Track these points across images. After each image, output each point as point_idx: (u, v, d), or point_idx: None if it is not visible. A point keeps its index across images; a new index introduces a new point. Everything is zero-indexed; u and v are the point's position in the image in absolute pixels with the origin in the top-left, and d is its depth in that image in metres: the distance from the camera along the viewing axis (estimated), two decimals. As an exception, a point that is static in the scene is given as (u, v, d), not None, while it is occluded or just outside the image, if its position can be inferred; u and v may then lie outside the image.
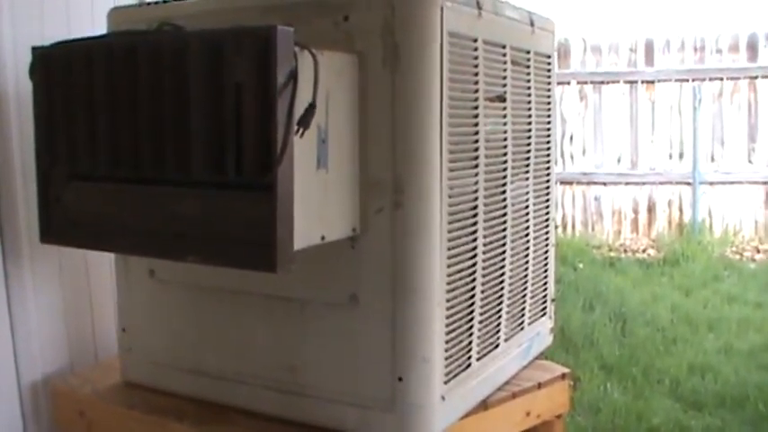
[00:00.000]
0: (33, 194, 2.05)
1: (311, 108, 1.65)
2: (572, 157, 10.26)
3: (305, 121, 1.64)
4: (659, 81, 10.14)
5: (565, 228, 10.19)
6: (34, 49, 1.95)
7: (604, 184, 10.20)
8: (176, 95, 1.68)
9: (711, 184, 9.93)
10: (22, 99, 2.36)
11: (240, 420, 2.15)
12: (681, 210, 10.05)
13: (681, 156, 10.07)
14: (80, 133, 1.85)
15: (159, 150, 1.72)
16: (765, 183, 9.85)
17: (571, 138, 10.27)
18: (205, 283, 2.19)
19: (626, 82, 10.23)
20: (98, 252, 2.62)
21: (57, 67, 1.89)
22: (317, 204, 1.77)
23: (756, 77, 9.90)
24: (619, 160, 10.23)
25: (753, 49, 9.97)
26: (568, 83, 10.18)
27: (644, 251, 9.55)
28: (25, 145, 2.37)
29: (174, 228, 1.80)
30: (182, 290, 2.25)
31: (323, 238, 1.80)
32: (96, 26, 2.57)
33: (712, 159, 9.99)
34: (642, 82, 10.19)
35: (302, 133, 1.64)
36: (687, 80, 10.03)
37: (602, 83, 10.29)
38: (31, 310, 2.50)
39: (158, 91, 1.71)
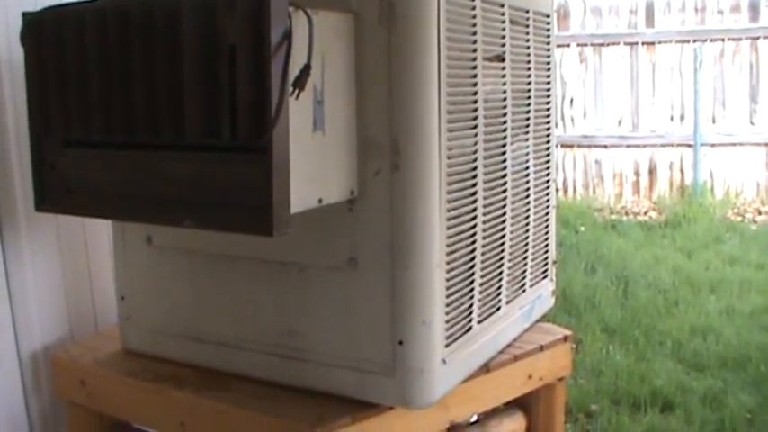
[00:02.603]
0: (29, 163, 2.02)
1: (306, 69, 1.63)
2: (572, 120, 10.24)
3: (300, 83, 1.61)
4: (660, 43, 10.10)
5: (566, 191, 10.18)
6: (25, 14, 1.92)
7: (605, 146, 10.18)
8: (169, 59, 1.65)
9: (713, 145, 9.90)
10: (15, 66, 2.33)
11: (240, 386, 2.14)
12: (682, 172, 10.04)
13: (682, 118, 10.04)
14: (73, 99, 1.83)
15: (153, 115, 1.70)
16: (766, 144, 9.82)
17: (571, 101, 10.23)
18: (203, 249, 2.18)
19: (626, 44, 10.19)
20: (96, 220, 2.61)
21: (48, 32, 1.86)
22: (313, 167, 1.74)
23: (758, 38, 9.86)
24: (620, 123, 10.21)
25: (754, 9, 9.91)
26: (568, 45, 10.13)
27: (645, 213, 9.55)
28: (19, 113, 2.36)
29: (169, 193, 1.78)
30: (179, 256, 2.24)
31: (320, 201, 1.78)
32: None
33: (714, 121, 9.96)
34: (643, 44, 10.15)
35: (297, 95, 1.62)
36: (688, 41, 9.99)
37: (603, 45, 10.25)
38: (29, 279, 2.49)
39: (151, 54, 1.68)
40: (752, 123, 9.86)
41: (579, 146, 10.16)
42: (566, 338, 2.55)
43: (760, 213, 9.38)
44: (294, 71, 1.60)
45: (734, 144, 9.88)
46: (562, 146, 9.96)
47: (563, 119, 10.20)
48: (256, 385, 2.13)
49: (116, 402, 2.33)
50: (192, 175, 1.74)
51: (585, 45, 10.25)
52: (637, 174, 10.17)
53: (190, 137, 1.65)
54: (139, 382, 2.25)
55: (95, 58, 1.78)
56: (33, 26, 1.90)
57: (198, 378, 2.20)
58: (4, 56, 2.39)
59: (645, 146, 10.10)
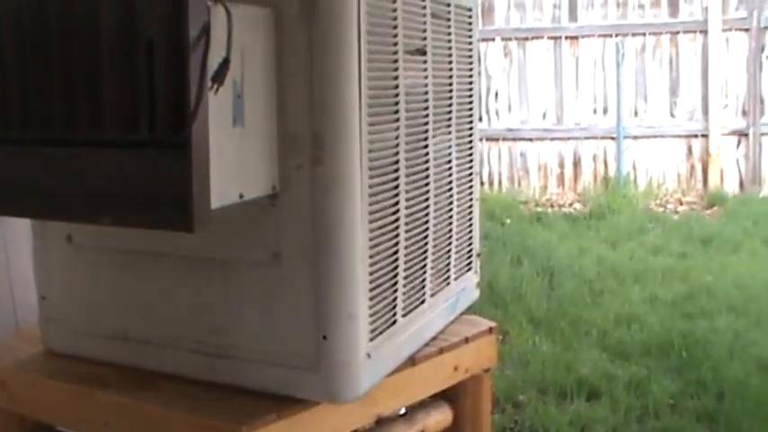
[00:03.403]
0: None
1: (225, 63, 1.61)
2: (497, 114, 10.32)
3: (219, 77, 1.60)
4: (583, 37, 10.25)
5: (492, 184, 10.26)
6: (-66, 4, 1.87)
7: (530, 139, 10.30)
8: (88, 52, 1.62)
9: (635, 138, 10.09)
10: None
11: (166, 385, 2.11)
12: (606, 164, 10.20)
13: (605, 111, 10.21)
14: (-12, 95, 1.79)
15: (71, 110, 1.67)
16: (687, 136, 10.03)
17: (496, 94, 10.32)
18: (124, 247, 2.14)
19: (550, 38, 10.32)
20: (15, 219, 2.56)
21: (-40, 25, 1.82)
22: (234, 162, 1.73)
23: (678, 33, 10.06)
24: (544, 116, 10.33)
25: (674, 5, 10.11)
26: (493, 39, 10.21)
27: (570, 205, 9.68)
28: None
29: (88, 190, 1.74)
30: (100, 254, 2.20)
31: (241, 196, 1.76)
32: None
33: (636, 114, 10.15)
34: (566, 38, 10.29)
35: (216, 89, 1.60)
36: (610, 35, 10.15)
37: (527, 39, 10.36)
38: (-54, 280, 2.44)
39: (69, 47, 1.65)
40: (672, 116, 10.06)
41: (504, 139, 10.25)
42: (491, 330, 2.57)
43: (681, 204, 9.57)
44: (213, 65, 1.58)
45: (655, 136, 10.07)
46: (487, 139, 10.03)
47: (488, 112, 10.27)
48: (182, 384, 2.10)
49: (38, 405, 2.29)
50: (110, 171, 1.71)
51: (510, 39, 10.35)
52: (561, 166, 10.30)
53: (108, 132, 1.63)
54: (62, 384, 2.21)
55: (11, 51, 1.74)
56: (-55, 18, 1.85)
57: (122, 378, 2.16)
58: None
59: (569, 138, 10.24)
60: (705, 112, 9.98)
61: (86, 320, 2.27)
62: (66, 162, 1.77)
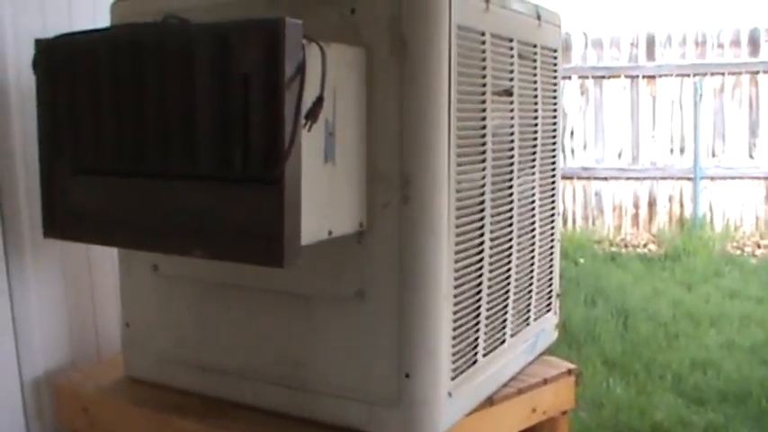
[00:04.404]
0: (35, 189, 2.03)
1: (319, 101, 1.64)
2: (573, 152, 10.25)
3: (313, 115, 1.62)
4: (660, 76, 10.13)
5: (565, 222, 10.17)
6: (38, 41, 1.93)
7: (605, 178, 10.19)
8: (182, 88, 1.66)
9: (712, 179, 9.91)
10: (24, 92, 2.34)
11: (245, 416, 2.13)
12: (681, 205, 10.04)
13: (682, 151, 10.05)
14: (84, 126, 1.83)
15: (165, 144, 1.70)
16: (766, 178, 9.84)
17: (572, 132, 10.25)
18: (209, 278, 2.18)
19: (627, 77, 10.22)
20: (100, 246, 2.61)
21: (61, 59, 1.87)
22: (324, 199, 1.75)
23: (758, 72, 9.88)
24: (619, 155, 10.21)
25: (754, 43, 9.95)
26: (569, 77, 10.16)
27: (645, 246, 9.54)
28: (27, 138, 2.36)
29: (179, 222, 1.78)
30: (185, 285, 2.24)
31: (330, 233, 1.78)
32: (98, 18, 2.56)
33: (713, 154, 9.98)
34: (643, 77, 10.18)
35: (310, 127, 1.62)
36: (688, 75, 10.01)
37: (603, 77, 10.27)
38: (33, 305, 2.48)
39: (164, 84, 1.69)
40: (751, 157, 9.88)
41: (579, 177, 10.17)
42: (569, 372, 2.55)
43: (759, 247, 9.38)
44: (307, 103, 1.60)
45: (733, 177, 9.89)
46: (562, 177, 9.95)
47: (563, 150, 10.21)
48: (261, 415, 2.12)
49: (119, 430, 2.32)
50: (202, 204, 1.74)
51: (587, 77, 10.28)
52: (636, 206, 10.17)
53: (201, 167, 1.66)
54: (143, 411, 2.24)
55: (108, 86, 1.79)
56: (46, 53, 1.91)
57: (202, 407, 2.19)
58: (12, 82, 2.40)
59: (644, 178, 10.11)
60: (785, 153, 9.81)
61: (168, 349, 2.31)
62: (159, 194, 1.81)
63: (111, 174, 1.87)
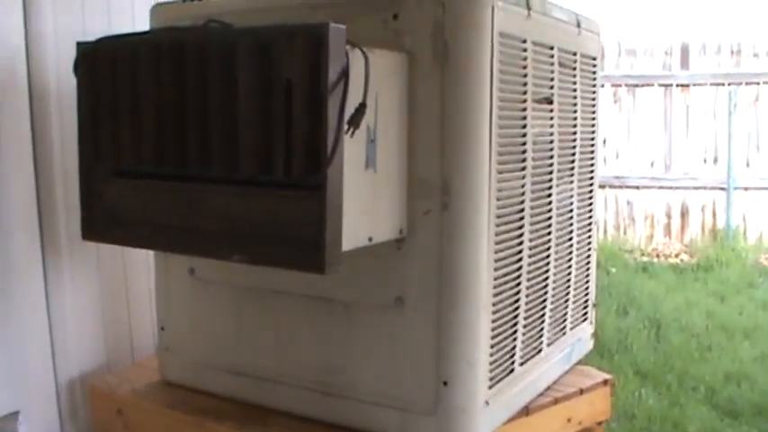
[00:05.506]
0: (73, 192, 2.04)
1: (362, 107, 1.63)
2: (605, 161, 10.19)
3: (355, 121, 1.62)
4: (694, 85, 10.05)
5: (597, 231, 10.11)
6: (79, 44, 1.93)
7: (637, 187, 10.12)
8: (224, 93, 1.66)
9: (746, 189, 9.82)
10: (63, 94, 2.35)
11: (280, 422, 2.13)
12: (714, 215, 9.96)
13: (715, 160, 9.97)
14: (125, 130, 1.84)
15: (206, 148, 1.70)
16: (800, 189, 9.75)
17: (604, 141, 10.19)
18: (246, 283, 2.17)
19: (660, 85, 10.15)
20: (135, 250, 2.62)
21: (102, 63, 1.88)
22: (365, 205, 1.74)
23: (794, 82, 9.80)
24: (652, 164, 10.15)
25: (791, 53, 9.87)
26: (602, 85, 10.08)
27: (677, 256, 9.47)
28: (65, 140, 2.38)
29: (219, 226, 1.78)
30: (222, 289, 2.24)
31: (370, 239, 1.77)
32: (137, 21, 2.57)
33: (747, 165, 9.89)
34: (677, 85, 10.11)
35: (352, 133, 1.62)
36: (723, 84, 9.93)
37: (637, 86, 10.21)
38: (68, 308, 2.50)
39: (206, 88, 1.69)
40: (786, 168, 9.79)
41: (611, 186, 10.10)
42: (605, 382, 2.52)
43: (793, 259, 9.29)
44: (350, 109, 1.60)
45: (767, 188, 9.80)
46: (594, 186, 9.90)
47: (596, 159, 10.15)
48: (296, 421, 2.12)
49: (153, 433, 2.33)
50: (242, 209, 1.74)
51: (619, 86, 10.23)
52: (668, 216, 10.10)
53: (243, 171, 1.66)
54: (178, 414, 2.24)
55: (149, 90, 1.79)
56: (87, 56, 1.91)
57: (238, 412, 2.19)
58: (52, 85, 2.41)
59: (677, 188, 10.03)
60: (820, 164, 9.71)
61: (204, 353, 2.31)
62: (199, 198, 1.81)
63: (150, 177, 1.88)
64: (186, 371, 2.36)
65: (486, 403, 1.98)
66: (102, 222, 1.99)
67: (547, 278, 2.24)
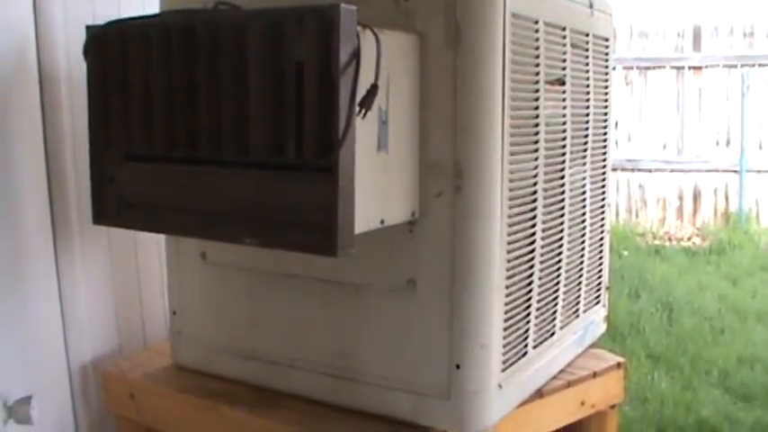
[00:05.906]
0: (84, 176, 2.03)
1: (373, 89, 1.61)
2: (617, 144, 10.15)
3: (367, 103, 1.60)
4: (707, 67, 10.00)
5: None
6: (88, 28, 1.92)
7: (649, 170, 10.09)
8: (235, 75, 1.64)
9: (758, 172, 9.78)
10: (73, 79, 2.35)
11: (293, 405, 2.13)
12: (727, 198, 9.92)
13: (728, 143, 9.93)
14: (136, 113, 1.83)
15: (217, 131, 1.69)
16: (813, 172, 9.70)
17: (616, 124, 10.14)
18: (258, 267, 2.17)
19: (672, 68, 10.10)
20: (147, 234, 2.62)
21: (111, 46, 1.86)
22: (377, 188, 1.73)
23: (808, 64, 9.73)
24: (664, 147, 10.11)
25: (804, 34, 9.80)
26: (614, 68, 10.06)
27: (689, 239, 9.45)
28: (76, 125, 2.37)
29: (230, 209, 1.78)
30: (234, 273, 2.23)
31: (382, 222, 1.76)
32: (147, 4, 2.55)
33: (760, 147, 9.84)
34: (689, 68, 10.05)
35: (364, 114, 1.61)
36: (735, 66, 9.88)
37: (648, 68, 10.17)
38: (80, 293, 2.49)
39: (216, 71, 1.68)
40: (799, 150, 9.74)
41: (623, 169, 10.06)
42: (619, 365, 2.51)
43: (806, 242, 9.25)
44: (361, 90, 1.58)
45: (780, 171, 9.76)
46: (606, 169, 9.87)
47: (607, 142, 10.11)
48: (309, 405, 2.12)
49: (166, 418, 2.33)
50: (253, 192, 1.73)
51: (631, 68, 10.18)
52: (680, 199, 10.07)
53: (254, 154, 1.64)
54: (191, 398, 2.24)
55: (159, 73, 1.77)
56: (97, 40, 1.90)
57: (250, 396, 2.19)
58: (62, 68, 2.40)
59: (689, 171, 9.99)
60: (833, 146, 9.66)
61: (216, 337, 2.31)
62: (210, 181, 1.81)
63: (161, 161, 1.87)
64: (198, 355, 2.36)
65: (500, 386, 1.97)
66: (114, 207, 1.98)
67: (560, 260, 2.23)
